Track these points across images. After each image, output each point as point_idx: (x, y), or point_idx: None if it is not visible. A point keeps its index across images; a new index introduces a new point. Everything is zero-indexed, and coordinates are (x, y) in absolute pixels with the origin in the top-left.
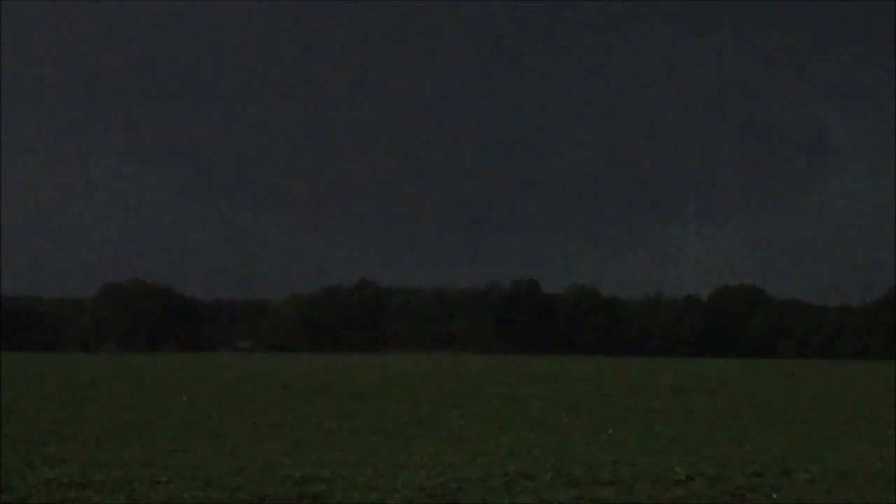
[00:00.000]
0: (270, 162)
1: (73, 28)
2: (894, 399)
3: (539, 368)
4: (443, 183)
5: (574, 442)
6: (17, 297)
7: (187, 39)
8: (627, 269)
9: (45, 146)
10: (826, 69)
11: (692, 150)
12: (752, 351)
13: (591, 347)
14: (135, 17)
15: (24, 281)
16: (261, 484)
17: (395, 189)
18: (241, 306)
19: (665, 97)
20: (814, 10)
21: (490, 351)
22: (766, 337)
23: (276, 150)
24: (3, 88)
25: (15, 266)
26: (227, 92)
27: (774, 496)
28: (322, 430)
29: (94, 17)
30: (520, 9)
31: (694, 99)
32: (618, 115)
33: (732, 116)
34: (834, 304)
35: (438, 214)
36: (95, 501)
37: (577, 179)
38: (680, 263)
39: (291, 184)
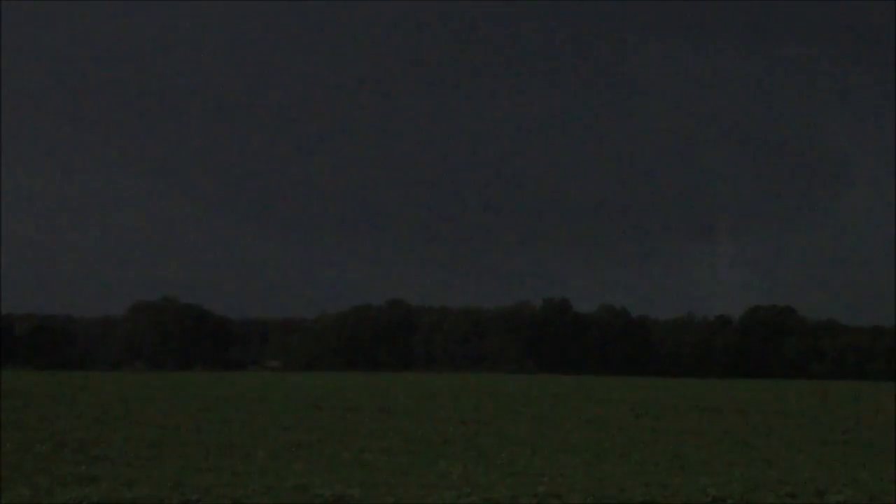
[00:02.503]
0: (302, 182)
1: (101, 49)
2: None
3: (570, 388)
4: (474, 203)
5: (605, 462)
6: (49, 315)
7: (223, 63)
8: (659, 289)
9: (79, 168)
10: (844, 89)
11: (723, 171)
12: (785, 372)
13: (622, 367)
14: (168, 41)
15: (57, 300)
16: (290, 503)
17: (426, 209)
18: (272, 325)
19: (691, 120)
20: (832, 33)
21: (520, 370)
22: (799, 358)
23: (307, 171)
24: (33, 110)
25: (48, 285)
26: (259, 114)
27: None
28: (352, 449)
29: (122, 40)
30: (547, 31)
31: (719, 121)
32: (649, 136)
33: (758, 137)
34: (867, 324)
35: (469, 234)
36: None
37: (608, 200)
38: (711, 283)
39: (323, 204)
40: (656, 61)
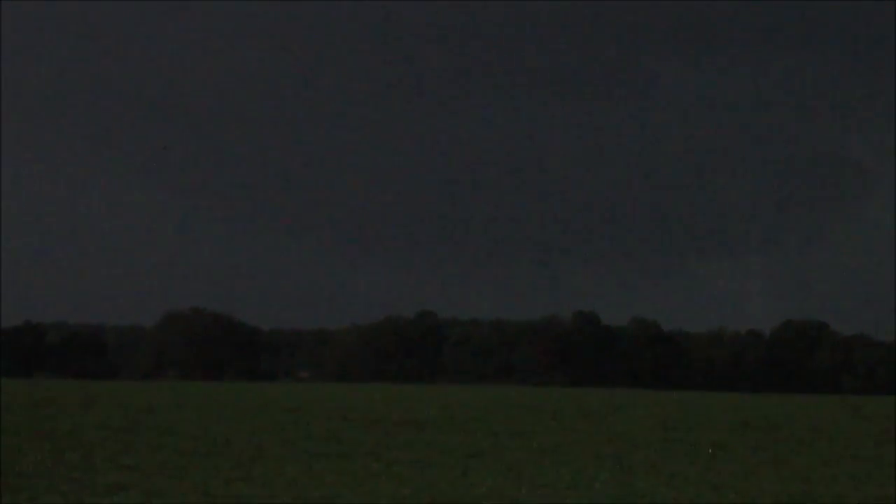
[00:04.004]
0: (333, 193)
1: (130, 65)
2: None
3: (600, 402)
4: (504, 215)
5: (635, 476)
6: (81, 324)
7: (252, 75)
8: (689, 303)
9: (111, 180)
10: (862, 98)
11: (752, 184)
12: (817, 386)
13: (652, 381)
14: (191, 53)
15: (88, 309)
16: None
17: (456, 220)
18: (302, 335)
19: (718, 134)
20: (844, 41)
21: (550, 383)
22: (831, 372)
23: (339, 181)
24: (66, 123)
25: (80, 295)
26: (290, 124)
27: None
28: (381, 460)
29: (143, 54)
30: (580, 47)
31: (745, 134)
32: (678, 151)
33: (782, 149)
34: None
35: (499, 246)
36: None
37: (638, 213)
38: (743, 297)
39: (354, 214)
40: (681, 77)
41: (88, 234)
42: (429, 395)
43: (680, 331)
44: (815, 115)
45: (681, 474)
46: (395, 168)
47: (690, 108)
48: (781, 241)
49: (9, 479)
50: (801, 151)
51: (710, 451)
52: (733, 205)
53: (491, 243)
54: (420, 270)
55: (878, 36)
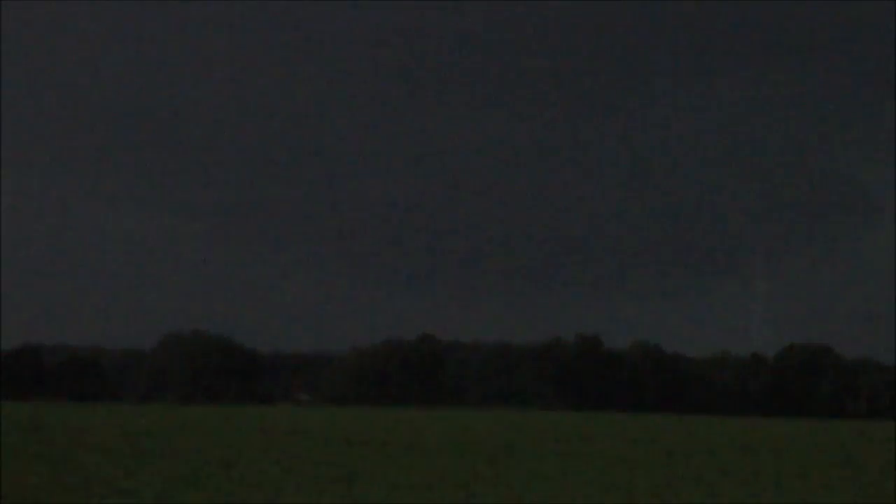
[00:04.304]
0: (335, 217)
1: (130, 92)
2: None
3: (602, 426)
4: (507, 238)
5: (637, 501)
6: (80, 347)
7: (253, 99)
8: (693, 327)
9: (110, 203)
10: (865, 120)
11: (755, 207)
12: (821, 411)
13: (655, 405)
14: (192, 78)
15: (88, 332)
16: None
17: (458, 244)
18: (302, 358)
19: (722, 157)
20: (852, 67)
21: (553, 407)
22: (835, 397)
23: (340, 206)
24: (64, 144)
25: (79, 318)
26: (291, 147)
27: None
28: (382, 484)
29: (154, 84)
30: (579, 68)
31: (748, 157)
32: (682, 174)
33: (785, 172)
34: None
35: (502, 269)
36: None
37: (641, 236)
38: (746, 321)
39: (355, 238)
40: (687, 100)
41: (88, 257)
42: (430, 418)
43: (683, 355)
44: (821, 141)
45: (684, 499)
46: (396, 191)
47: (696, 132)
48: (785, 266)
49: (8, 502)
50: (804, 176)
51: (714, 476)
52: (737, 229)
53: (493, 266)
54: (421, 293)
55: (885, 61)
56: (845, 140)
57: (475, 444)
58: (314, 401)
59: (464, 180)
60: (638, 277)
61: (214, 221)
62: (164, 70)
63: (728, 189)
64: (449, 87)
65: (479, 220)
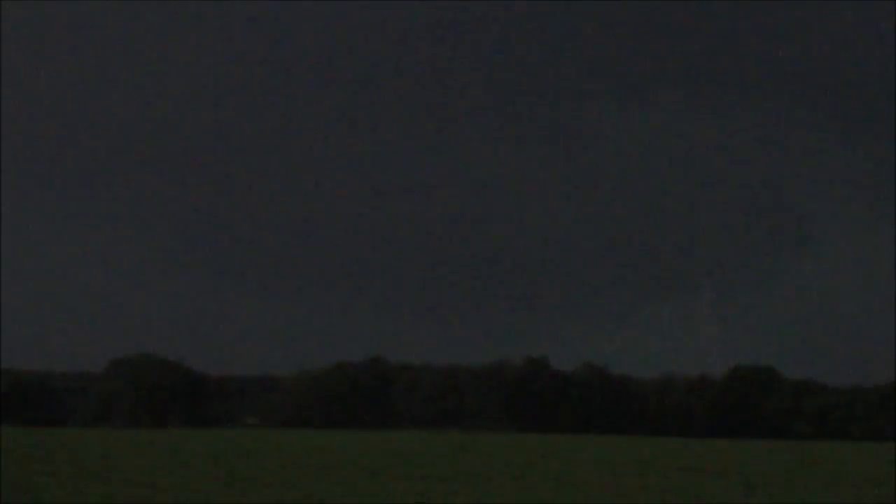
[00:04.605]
0: (281, 237)
1: (72, 100)
2: None
3: (550, 447)
4: (455, 260)
5: None
6: (25, 370)
7: (193, 107)
8: (640, 347)
9: (55, 225)
10: (804, 146)
11: (700, 231)
12: (767, 431)
13: (603, 426)
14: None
15: (33, 355)
16: None
17: (406, 266)
18: (250, 381)
19: (666, 177)
20: (792, 90)
21: (501, 429)
22: (781, 417)
23: (286, 226)
24: (8, 160)
25: (23, 340)
26: (234, 166)
27: None
28: None
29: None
30: (522, 88)
31: (691, 180)
32: (626, 194)
33: (727, 196)
34: (848, 384)
35: (450, 291)
36: None
37: (588, 259)
38: (693, 343)
39: (302, 259)
40: (628, 121)
41: (34, 280)
42: (380, 441)
43: (630, 376)
44: (762, 163)
45: None
46: (342, 213)
47: (640, 153)
48: (731, 287)
49: None
50: (749, 200)
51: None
52: (683, 250)
53: (441, 288)
54: (370, 316)
55: (823, 84)
56: (787, 169)
57: (424, 466)
58: (263, 424)
59: (412, 204)
60: (585, 300)
61: (163, 245)
62: (112, 91)
63: (674, 213)
64: (394, 109)
65: (428, 244)
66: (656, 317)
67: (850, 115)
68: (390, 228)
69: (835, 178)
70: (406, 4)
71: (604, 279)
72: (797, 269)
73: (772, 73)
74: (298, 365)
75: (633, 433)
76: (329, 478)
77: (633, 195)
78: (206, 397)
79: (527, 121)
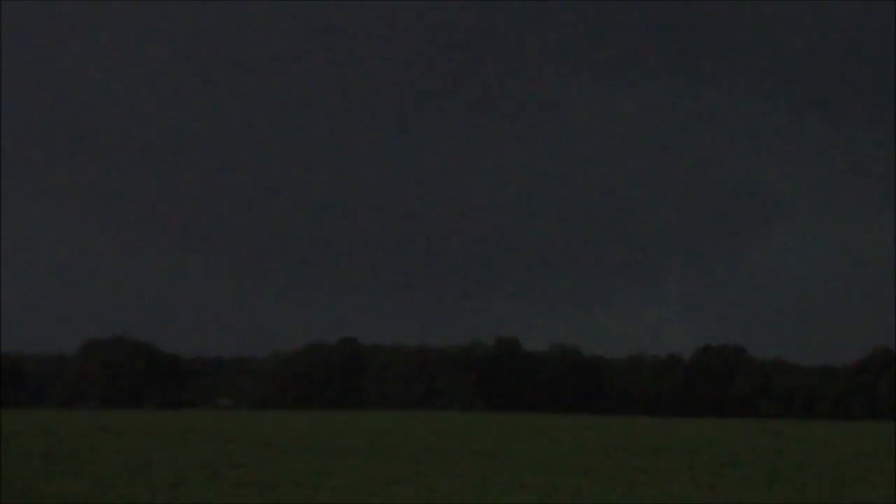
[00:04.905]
0: (254, 222)
1: (71, 90)
2: (876, 460)
3: (521, 427)
4: (426, 243)
5: (557, 501)
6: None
7: (173, 97)
8: (610, 328)
9: (30, 208)
10: (773, 128)
11: (670, 213)
12: (735, 411)
13: (573, 406)
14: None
15: (5, 338)
16: None
17: (378, 249)
18: (224, 363)
19: (631, 161)
20: (761, 74)
21: (472, 409)
22: (749, 397)
23: (261, 211)
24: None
25: None
26: (209, 148)
27: None
28: (304, 487)
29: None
30: (497, 75)
31: (662, 163)
32: (597, 178)
33: (697, 177)
34: (815, 364)
35: (422, 272)
36: None
37: (559, 239)
38: (662, 323)
39: (275, 242)
40: (600, 106)
41: (7, 264)
42: (352, 422)
43: (600, 356)
44: (731, 145)
45: (602, 498)
46: (315, 196)
47: (609, 137)
48: (699, 268)
49: None
50: (717, 180)
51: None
52: (652, 232)
53: (414, 271)
54: (342, 297)
55: (792, 69)
56: (754, 147)
57: (395, 446)
58: (236, 405)
59: (384, 185)
60: (556, 281)
61: (137, 228)
62: (85, 76)
63: (643, 195)
64: (366, 88)
65: (399, 225)
66: (626, 298)
67: (820, 97)
68: (363, 212)
69: (804, 158)
70: None
71: (574, 261)
72: (765, 250)
73: (745, 55)
74: (271, 346)
75: (602, 412)
76: (301, 458)
77: (604, 178)
78: (179, 379)
79: (500, 104)
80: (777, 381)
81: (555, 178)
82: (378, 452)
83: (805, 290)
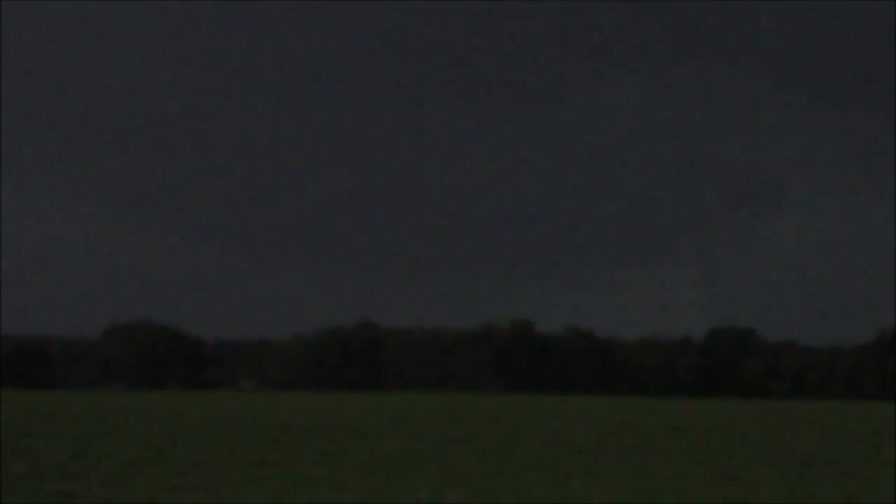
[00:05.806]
0: (275, 204)
1: (83, 81)
2: (885, 440)
3: (536, 408)
4: (444, 226)
5: (572, 480)
6: (24, 336)
7: (189, 83)
8: (623, 310)
9: (54, 191)
10: (778, 109)
11: (681, 194)
12: (746, 391)
13: (587, 387)
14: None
15: (32, 320)
16: None
17: (397, 232)
18: (246, 346)
19: (642, 142)
20: (763, 55)
21: (488, 390)
22: (760, 378)
23: (281, 193)
24: (10, 130)
25: (22, 305)
26: (229, 132)
27: None
28: (323, 467)
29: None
30: (507, 61)
31: (672, 144)
32: (609, 159)
33: (706, 160)
34: (825, 345)
35: (438, 255)
36: None
37: (572, 224)
38: (676, 305)
39: (295, 225)
40: (610, 87)
41: (31, 244)
42: (370, 403)
43: (614, 338)
44: (739, 128)
45: (616, 478)
46: (334, 179)
47: (621, 120)
48: (711, 250)
49: None
50: (725, 163)
51: (645, 455)
52: (665, 214)
53: (430, 253)
54: (360, 281)
55: (798, 52)
56: (762, 130)
57: (413, 426)
58: (257, 387)
59: (401, 169)
60: (570, 264)
61: (160, 210)
62: (99, 66)
63: (655, 176)
64: (372, 76)
65: (417, 208)
66: (639, 279)
67: (824, 81)
68: (381, 197)
69: (811, 141)
70: None
71: (587, 244)
72: (774, 231)
73: (749, 40)
74: (292, 329)
75: (616, 393)
76: (320, 439)
77: (615, 162)
78: (202, 361)
79: (509, 89)
80: (787, 363)
81: (568, 160)
82: (396, 434)
83: (814, 271)
